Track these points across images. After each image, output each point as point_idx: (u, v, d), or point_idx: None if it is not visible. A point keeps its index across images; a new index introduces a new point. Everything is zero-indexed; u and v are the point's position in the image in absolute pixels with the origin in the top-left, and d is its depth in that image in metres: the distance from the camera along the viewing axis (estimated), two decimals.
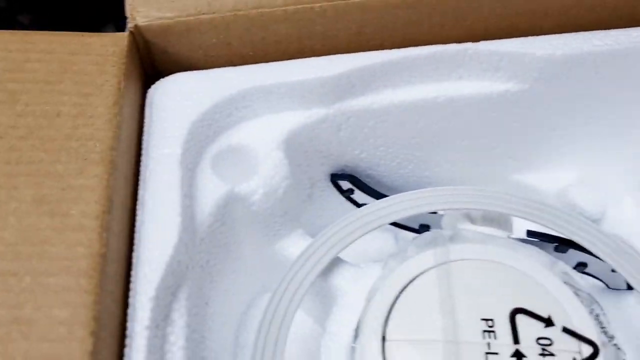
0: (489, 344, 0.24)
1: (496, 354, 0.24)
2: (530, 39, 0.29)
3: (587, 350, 0.25)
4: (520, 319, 0.25)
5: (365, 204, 0.34)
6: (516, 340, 0.25)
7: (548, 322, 0.25)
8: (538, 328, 0.25)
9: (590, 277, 0.34)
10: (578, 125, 0.33)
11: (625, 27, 0.30)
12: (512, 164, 0.35)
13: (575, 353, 0.24)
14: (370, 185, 0.34)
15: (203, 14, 0.27)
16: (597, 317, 0.26)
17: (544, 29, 0.30)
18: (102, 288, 0.20)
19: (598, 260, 0.32)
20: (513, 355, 0.24)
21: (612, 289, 0.34)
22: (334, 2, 0.27)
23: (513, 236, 0.31)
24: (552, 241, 0.31)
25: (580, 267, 0.33)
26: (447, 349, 0.24)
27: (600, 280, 0.34)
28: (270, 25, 0.28)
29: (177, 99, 0.27)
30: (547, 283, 0.27)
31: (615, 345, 0.26)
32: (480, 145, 0.33)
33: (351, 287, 0.29)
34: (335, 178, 0.34)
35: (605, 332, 0.26)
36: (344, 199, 0.35)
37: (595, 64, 0.29)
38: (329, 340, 0.27)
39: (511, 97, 0.30)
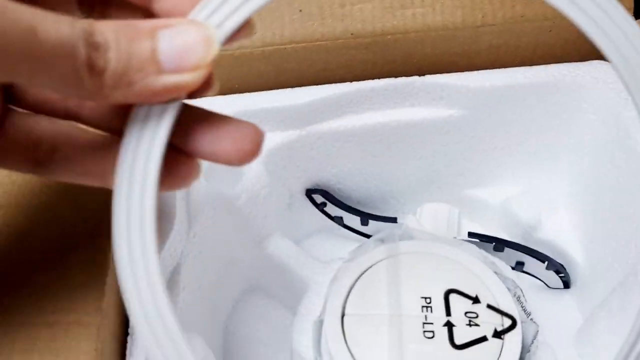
0: (426, 317, 0.30)
1: (431, 323, 0.30)
2: (465, 73, 0.35)
3: (507, 322, 0.30)
4: (452, 297, 0.31)
5: (337, 216, 0.40)
6: (448, 313, 0.30)
7: (475, 300, 0.31)
8: (467, 304, 0.31)
9: (534, 278, 0.39)
10: (514, 145, 0.39)
11: (544, 64, 0.36)
12: (462, 180, 0.41)
13: (497, 324, 0.30)
14: (341, 198, 0.40)
15: None
16: (518, 298, 0.32)
17: (478, 66, 0.36)
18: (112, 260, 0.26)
19: (534, 259, 0.38)
20: (445, 325, 0.30)
21: (552, 287, 0.39)
22: (302, 44, 0.34)
23: (458, 237, 0.37)
24: (490, 241, 0.37)
25: (519, 265, 0.38)
26: (392, 321, 0.30)
27: (539, 280, 0.39)
28: (251, 63, 0.34)
29: None
30: (478, 271, 0.32)
31: (531, 319, 0.31)
32: (433, 163, 0.39)
33: (319, 278, 0.34)
34: (309, 192, 0.40)
35: (524, 309, 0.32)
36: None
37: (520, 94, 0.35)
38: (300, 319, 0.33)
39: (454, 122, 0.37)
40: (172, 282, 0.29)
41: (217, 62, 0.34)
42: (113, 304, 0.27)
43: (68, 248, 0.27)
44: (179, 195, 0.31)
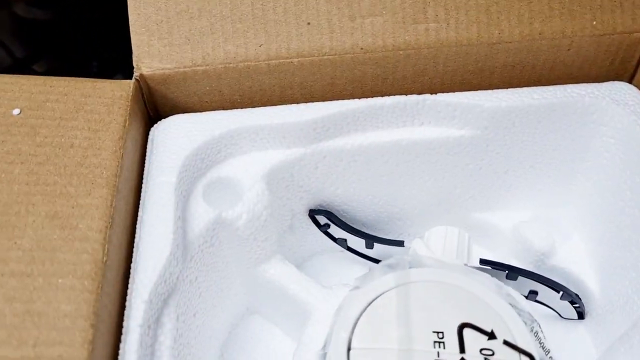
0: (438, 353, 0.28)
1: None
2: (479, 92, 0.34)
3: None
4: (466, 332, 0.29)
5: (341, 239, 0.38)
6: (462, 350, 0.28)
7: (491, 336, 0.29)
8: (482, 340, 0.28)
9: (546, 308, 0.37)
10: (527, 168, 0.37)
11: (561, 83, 0.34)
12: (471, 203, 0.39)
13: None
14: (345, 220, 0.38)
15: (198, 65, 0.31)
16: (535, 334, 0.30)
17: (492, 85, 0.34)
18: (102, 289, 0.24)
19: (547, 288, 0.36)
20: None
21: (565, 318, 0.37)
22: (310, 58, 0.32)
23: (469, 264, 0.35)
24: (503, 269, 0.35)
25: (532, 295, 0.36)
26: (402, 356, 0.28)
27: (553, 310, 0.37)
28: (255, 76, 0.32)
29: (174, 136, 0.32)
30: (492, 303, 0.30)
31: (550, 357, 0.29)
32: (442, 185, 0.37)
33: (322, 305, 0.32)
34: (313, 213, 0.38)
35: (542, 347, 0.29)
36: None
37: (537, 114, 0.34)
38: (302, 350, 0.31)
39: (466, 142, 0.35)
40: (166, 310, 0.27)
41: (219, 74, 0.32)
42: (102, 337, 0.25)
43: (52, 272, 0.25)
44: (175, 217, 0.29)
